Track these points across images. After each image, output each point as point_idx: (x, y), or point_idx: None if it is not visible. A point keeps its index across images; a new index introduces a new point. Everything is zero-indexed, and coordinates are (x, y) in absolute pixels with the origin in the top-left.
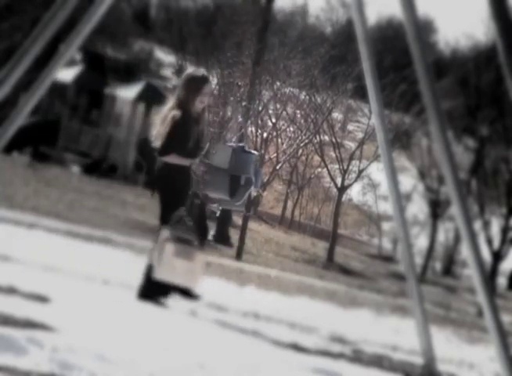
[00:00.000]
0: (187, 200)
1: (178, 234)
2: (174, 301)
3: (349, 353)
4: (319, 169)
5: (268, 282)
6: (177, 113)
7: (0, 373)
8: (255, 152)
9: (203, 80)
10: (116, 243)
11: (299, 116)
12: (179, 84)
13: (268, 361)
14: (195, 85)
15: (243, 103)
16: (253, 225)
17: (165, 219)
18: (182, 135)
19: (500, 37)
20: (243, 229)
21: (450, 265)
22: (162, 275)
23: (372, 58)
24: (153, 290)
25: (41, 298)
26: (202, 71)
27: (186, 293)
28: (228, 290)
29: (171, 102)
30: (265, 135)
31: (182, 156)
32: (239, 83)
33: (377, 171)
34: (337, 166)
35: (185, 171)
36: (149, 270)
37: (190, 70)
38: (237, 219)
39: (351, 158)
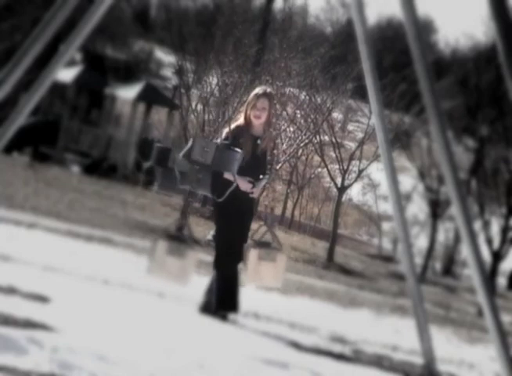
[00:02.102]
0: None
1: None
2: (175, 301)
3: (349, 353)
4: (319, 169)
5: None
6: (229, 128)
7: (0, 373)
8: (239, 150)
9: (257, 95)
10: (116, 243)
11: (299, 116)
12: None
13: (268, 361)
14: (250, 100)
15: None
16: (253, 225)
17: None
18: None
19: (500, 37)
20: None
21: (450, 265)
22: (153, 272)
23: (372, 58)
24: (215, 305)
25: (41, 298)
26: (263, 88)
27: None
28: None
29: None
30: None
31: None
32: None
33: (377, 171)
34: (337, 166)
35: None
36: (214, 285)
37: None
38: None
39: (351, 158)
